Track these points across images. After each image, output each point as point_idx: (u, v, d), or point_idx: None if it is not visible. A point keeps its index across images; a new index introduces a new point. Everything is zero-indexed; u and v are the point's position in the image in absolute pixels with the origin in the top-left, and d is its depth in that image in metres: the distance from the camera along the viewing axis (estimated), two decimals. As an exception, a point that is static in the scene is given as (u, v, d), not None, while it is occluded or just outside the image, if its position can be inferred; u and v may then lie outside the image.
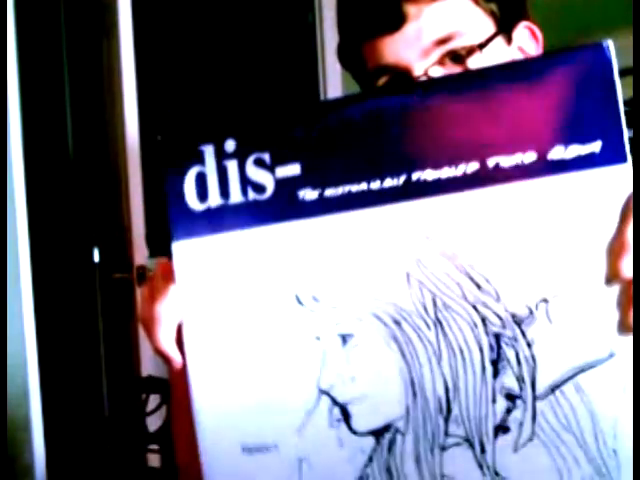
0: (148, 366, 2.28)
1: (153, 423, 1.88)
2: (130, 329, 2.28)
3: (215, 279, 0.59)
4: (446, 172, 0.54)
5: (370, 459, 0.57)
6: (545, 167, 0.53)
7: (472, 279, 0.54)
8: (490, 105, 0.53)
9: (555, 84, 0.52)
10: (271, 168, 0.57)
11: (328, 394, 0.57)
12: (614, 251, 0.52)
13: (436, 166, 0.54)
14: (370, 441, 0.57)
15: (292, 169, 0.57)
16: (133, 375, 2.27)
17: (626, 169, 0.52)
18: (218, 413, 0.60)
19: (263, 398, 0.59)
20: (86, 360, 2.57)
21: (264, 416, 0.59)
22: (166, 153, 0.59)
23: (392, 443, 0.57)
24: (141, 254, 2.23)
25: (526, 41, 0.83)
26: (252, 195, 0.58)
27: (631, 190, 0.52)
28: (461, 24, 0.77)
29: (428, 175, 0.55)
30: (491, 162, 0.53)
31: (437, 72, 0.76)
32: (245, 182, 0.58)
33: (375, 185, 0.56)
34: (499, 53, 0.79)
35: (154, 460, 1.98)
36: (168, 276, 0.61)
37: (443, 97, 0.54)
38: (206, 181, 0.58)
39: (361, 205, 0.56)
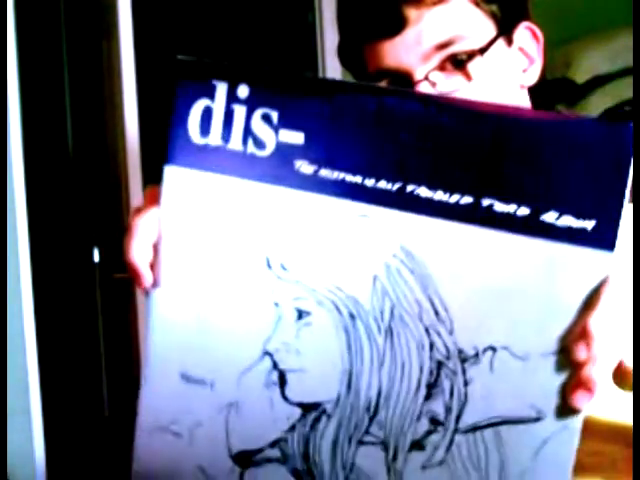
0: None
1: (153, 423, 1.88)
2: (130, 329, 2.28)
3: (196, 215, 0.60)
4: (440, 195, 0.55)
5: (292, 427, 0.60)
6: (534, 227, 0.53)
7: (433, 304, 0.55)
8: (500, 145, 0.53)
9: (571, 149, 0.52)
10: (276, 128, 0.58)
11: (271, 356, 0.60)
12: (573, 333, 0.52)
13: (432, 186, 0.55)
14: (297, 411, 0.60)
15: (296, 137, 0.57)
16: (133, 375, 2.27)
17: (609, 258, 0.52)
18: (169, 336, 0.62)
19: (213, 337, 0.61)
20: (86, 360, 2.58)
21: (209, 353, 0.61)
22: (182, 74, 0.60)
23: (317, 421, 0.59)
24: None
25: (527, 42, 0.83)
26: (251, 148, 0.58)
27: (607, 276, 0.52)
28: (462, 28, 0.77)
29: (422, 192, 0.55)
30: (485, 202, 0.54)
31: (438, 77, 0.76)
32: (248, 133, 0.58)
33: (369, 182, 0.56)
34: (500, 56, 0.78)
35: (154, 460, 1.97)
36: (154, 200, 0.61)
37: (459, 123, 0.54)
38: (211, 118, 0.59)
39: (351, 196, 0.56)
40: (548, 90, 2.40)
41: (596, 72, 2.25)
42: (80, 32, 2.56)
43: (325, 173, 0.57)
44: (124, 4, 2.21)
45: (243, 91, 0.58)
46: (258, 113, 0.58)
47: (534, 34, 0.83)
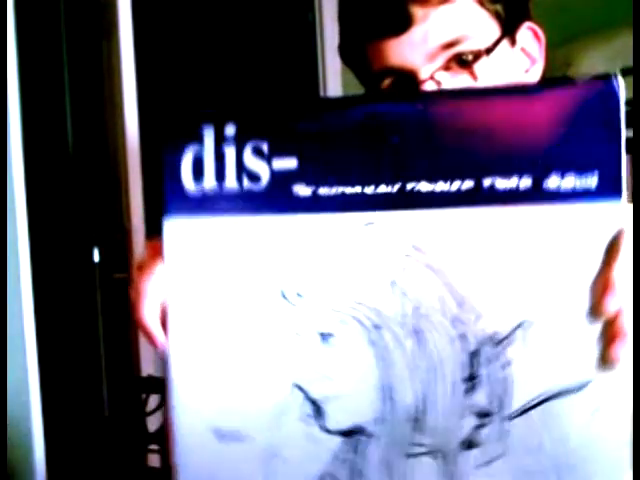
0: (148, 366, 2.28)
1: (153, 423, 1.88)
2: (130, 329, 2.28)
3: (203, 261, 0.60)
4: (441, 186, 0.55)
5: (336, 457, 0.58)
6: (540, 195, 0.53)
7: (454, 295, 0.55)
8: (491, 125, 0.54)
9: (559, 111, 0.52)
10: (268, 158, 0.58)
11: (301, 389, 0.58)
12: (599, 288, 0.52)
13: (431, 179, 0.55)
14: (338, 440, 0.58)
15: (289, 162, 0.57)
16: (133, 375, 2.27)
17: (619, 206, 0.52)
18: (194, 395, 0.60)
19: (239, 385, 0.59)
20: (86, 360, 2.57)
21: (238, 402, 0.59)
22: (166, 129, 0.60)
23: (360, 445, 0.57)
24: (141, 254, 2.23)
25: (529, 42, 0.83)
26: (247, 184, 0.58)
27: (622, 227, 0.52)
28: (467, 28, 0.76)
29: (423, 187, 0.55)
30: (487, 182, 0.54)
31: (443, 77, 0.76)
32: (241, 169, 0.58)
33: (369, 190, 0.56)
34: (504, 56, 0.78)
35: (154, 460, 1.98)
36: (157, 255, 0.60)
37: (445, 111, 0.54)
38: (203, 163, 0.59)
39: (354, 208, 0.56)
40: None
41: (596, 72, 2.25)
42: (80, 32, 2.56)
43: (324, 191, 0.57)
44: (124, 4, 2.21)
45: (230, 130, 0.58)
46: (248, 148, 0.58)
47: (536, 34, 0.83)
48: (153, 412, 1.84)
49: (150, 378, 2.01)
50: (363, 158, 0.56)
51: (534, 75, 0.83)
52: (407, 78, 0.77)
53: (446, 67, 0.76)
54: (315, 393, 0.58)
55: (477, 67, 0.77)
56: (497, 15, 0.78)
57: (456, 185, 0.54)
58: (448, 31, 0.76)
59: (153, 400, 1.86)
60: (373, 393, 0.57)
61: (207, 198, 0.59)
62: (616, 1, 2.54)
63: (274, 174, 0.57)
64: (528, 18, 0.83)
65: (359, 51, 0.81)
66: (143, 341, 2.17)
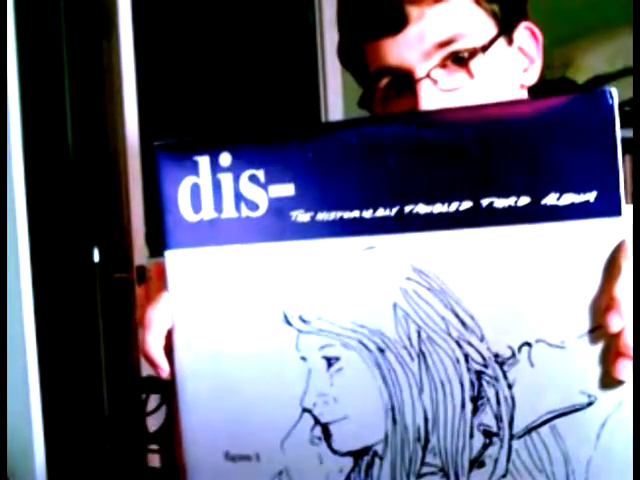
0: (148, 366, 2.28)
1: (153, 423, 1.88)
2: (130, 329, 2.28)
3: (206, 291, 0.60)
4: (439, 208, 0.55)
5: (347, 478, 0.59)
6: (538, 213, 0.53)
7: (457, 316, 0.55)
8: (487, 145, 0.53)
9: (554, 129, 0.52)
10: (265, 186, 0.58)
11: (310, 412, 0.59)
12: (602, 305, 0.52)
13: (429, 201, 0.55)
14: (349, 461, 0.58)
15: (286, 189, 0.57)
16: (133, 375, 2.27)
17: (619, 222, 0.52)
18: (204, 419, 0.61)
19: (248, 410, 0.60)
20: (86, 360, 2.57)
21: (248, 427, 0.60)
22: (162, 160, 0.59)
23: (370, 465, 0.58)
24: (141, 254, 2.23)
25: (526, 42, 0.83)
26: (245, 212, 0.58)
27: (623, 243, 0.52)
28: (463, 26, 0.77)
29: (421, 209, 0.55)
30: (485, 202, 0.54)
31: (440, 75, 0.76)
32: (239, 198, 0.58)
33: (367, 214, 0.56)
34: (500, 54, 0.78)
35: (154, 460, 1.98)
36: (163, 280, 0.61)
37: (441, 132, 0.54)
38: (200, 193, 0.59)
39: (353, 232, 0.56)
40: (548, 90, 2.40)
41: (596, 72, 2.25)
42: (80, 32, 2.56)
43: (322, 216, 0.57)
44: (124, 4, 2.21)
45: (225, 159, 0.58)
46: (245, 176, 0.58)
47: (533, 34, 0.83)
48: (153, 412, 1.84)
49: (150, 378, 2.01)
50: (360, 181, 0.56)
51: (532, 74, 0.83)
52: (404, 77, 0.77)
53: (442, 65, 0.76)
54: (323, 416, 0.58)
55: (473, 65, 0.77)
56: (493, 14, 0.79)
57: (454, 206, 0.54)
58: (444, 29, 0.76)
59: (153, 400, 1.86)
60: (380, 414, 0.57)
61: (206, 228, 0.59)
62: (616, 1, 2.54)
63: (272, 201, 0.58)
64: (525, 18, 0.83)
65: (357, 52, 0.81)
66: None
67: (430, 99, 0.76)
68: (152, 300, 0.61)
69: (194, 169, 0.59)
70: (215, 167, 0.58)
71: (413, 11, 0.76)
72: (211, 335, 0.60)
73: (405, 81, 0.77)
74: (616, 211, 0.52)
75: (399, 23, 0.76)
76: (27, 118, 2.12)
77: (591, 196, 0.52)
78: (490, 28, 0.78)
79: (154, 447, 1.91)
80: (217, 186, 0.58)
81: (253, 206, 0.58)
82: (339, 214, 0.56)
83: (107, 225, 2.43)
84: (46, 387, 2.11)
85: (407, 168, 0.55)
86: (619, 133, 0.51)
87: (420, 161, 0.54)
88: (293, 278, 0.58)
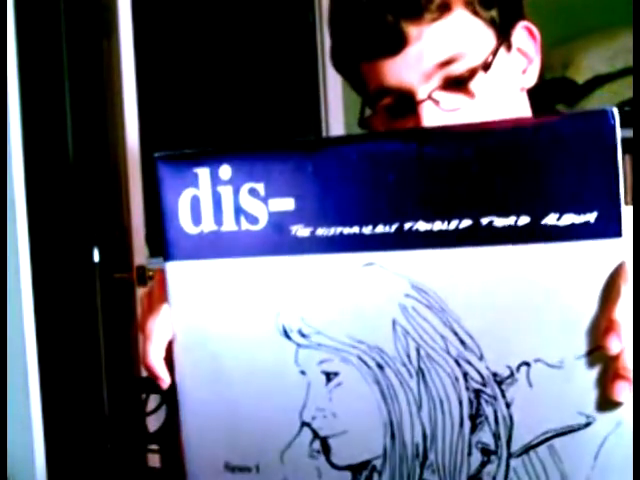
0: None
1: (153, 423, 1.88)
2: (130, 329, 2.28)
3: (206, 303, 0.60)
4: (438, 225, 0.54)
5: None
6: (538, 233, 0.53)
7: (456, 334, 0.55)
8: (488, 164, 0.53)
9: (555, 149, 0.52)
10: (265, 200, 0.58)
11: (309, 426, 0.59)
12: (601, 327, 0.52)
13: (429, 218, 0.55)
14: (347, 475, 0.58)
15: (286, 204, 0.57)
16: (133, 375, 2.27)
17: (619, 244, 0.51)
18: (204, 430, 0.61)
19: (248, 422, 0.60)
20: (86, 360, 2.57)
21: (248, 438, 0.60)
22: (162, 172, 0.59)
23: None
24: (141, 254, 2.23)
25: (525, 41, 0.82)
26: (245, 225, 0.58)
27: (622, 264, 0.51)
28: (463, 44, 0.75)
29: (420, 226, 0.55)
30: (484, 221, 0.54)
31: (441, 97, 0.75)
32: (238, 211, 0.58)
33: (367, 230, 0.56)
34: (500, 65, 0.78)
35: (154, 460, 1.98)
36: (164, 287, 0.61)
37: (441, 150, 0.54)
38: (200, 205, 0.59)
39: (352, 248, 0.56)
40: (548, 90, 2.40)
41: (596, 72, 2.25)
42: (80, 32, 2.56)
43: (322, 232, 0.57)
44: (124, 4, 2.21)
45: (225, 172, 0.58)
46: (245, 189, 0.58)
47: (531, 33, 0.83)
48: (153, 412, 1.84)
49: (150, 378, 2.01)
50: (359, 197, 0.56)
51: (532, 75, 0.83)
52: (404, 98, 0.76)
53: (443, 87, 0.76)
54: (322, 430, 0.59)
55: (474, 85, 0.76)
56: (492, 21, 0.77)
57: (454, 224, 0.54)
58: (443, 49, 0.75)
59: (153, 400, 1.86)
60: (379, 430, 0.57)
61: (207, 240, 0.59)
62: (616, 1, 2.54)
63: (272, 215, 0.57)
64: (522, 18, 0.82)
65: (353, 69, 0.80)
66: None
67: (433, 120, 0.75)
68: (154, 309, 0.61)
69: (194, 181, 0.58)
70: (215, 180, 0.58)
71: (412, 31, 0.74)
72: (211, 347, 0.60)
73: (406, 101, 0.77)
74: (616, 232, 0.51)
75: (398, 44, 0.74)
76: (27, 118, 2.12)
77: (591, 217, 0.51)
78: (490, 38, 0.77)
79: (154, 447, 1.91)
80: (217, 199, 0.58)
81: (253, 220, 0.58)
82: (339, 229, 0.56)
83: (107, 225, 2.43)
84: (46, 387, 2.11)
85: (407, 185, 0.55)
86: (620, 154, 0.51)
87: (420, 177, 0.54)
88: (293, 292, 0.58)
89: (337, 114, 2.68)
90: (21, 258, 2.03)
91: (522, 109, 0.82)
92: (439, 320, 0.55)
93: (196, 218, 0.59)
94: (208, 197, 0.58)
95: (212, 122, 2.96)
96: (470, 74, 0.76)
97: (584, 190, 0.52)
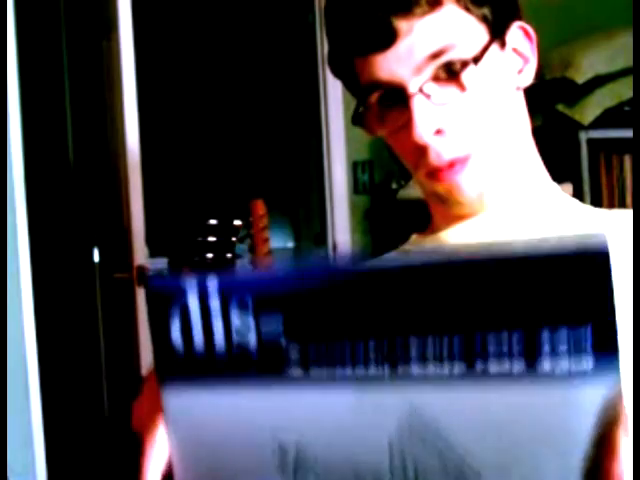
0: (148, 366, 2.28)
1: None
2: (130, 329, 2.28)
3: (199, 431, 0.60)
4: (432, 369, 0.54)
5: None
6: (533, 377, 0.52)
7: (454, 455, 0.55)
8: (479, 303, 0.53)
9: (547, 288, 0.51)
10: (254, 319, 0.58)
11: None
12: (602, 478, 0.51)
13: (422, 361, 0.55)
14: None
15: (275, 321, 0.57)
16: (133, 375, 2.27)
17: (617, 386, 0.51)
18: None
19: None
20: (86, 360, 2.58)
21: None
22: (151, 292, 0.59)
23: None
24: (141, 254, 2.23)
25: (520, 42, 0.82)
26: (236, 345, 0.58)
27: (622, 416, 0.51)
28: (454, 36, 0.75)
29: (414, 370, 0.55)
30: (479, 367, 0.53)
31: (432, 89, 0.76)
32: (228, 330, 0.58)
33: (360, 371, 0.56)
34: (493, 61, 0.77)
35: (154, 460, 1.97)
36: (156, 394, 0.60)
37: (430, 284, 0.53)
38: (192, 328, 0.59)
39: (344, 386, 0.56)
40: (548, 90, 2.40)
41: (596, 72, 2.25)
42: (80, 32, 2.56)
43: (315, 372, 0.57)
44: (124, 4, 2.21)
45: (213, 289, 0.58)
46: (234, 307, 0.58)
47: (527, 33, 0.82)
48: (153, 412, 1.84)
49: (150, 378, 2.01)
50: (351, 328, 0.56)
51: (528, 75, 0.83)
52: (395, 92, 0.77)
53: (434, 78, 0.76)
54: None
55: (465, 77, 0.76)
56: (484, 19, 0.77)
57: (447, 367, 0.54)
58: (434, 41, 0.75)
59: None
60: None
61: (198, 362, 0.59)
62: (616, 1, 2.54)
63: (262, 343, 0.58)
64: (518, 17, 0.82)
65: (347, 65, 0.80)
66: (143, 341, 2.17)
67: (424, 113, 0.76)
68: (150, 424, 0.61)
69: (184, 299, 0.59)
70: (205, 297, 0.58)
71: (402, 25, 0.75)
72: (207, 474, 0.61)
73: (397, 95, 0.77)
74: (614, 376, 0.51)
75: (388, 38, 0.75)
76: (27, 118, 2.12)
77: (588, 361, 0.51)
78: (482, 34, 0.77)
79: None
80: (207, 320, 0.59)
81: (244, 340, 0.58)
82: (331, 371, 0.57)
83: (107, 225, 2.44)
84: (46, 387, 2.11)
85: (399, 327, 0.55)
86: (615, 297, 0.50)
87: (411, 318, 0.54)
88: (287, 424, 0.58)
89: (337, 114, 2.68)
90: (21, 258, 2.03)
91: (517, 108, 0.82)
92: (436, 442, 0.55)
93: (187, 340, 0.59)
94: (197, 318, 0.58)
95: (212, 122, 2.97)
96: (461, 65, 0.76)
97: (579, 332, 0.51)
